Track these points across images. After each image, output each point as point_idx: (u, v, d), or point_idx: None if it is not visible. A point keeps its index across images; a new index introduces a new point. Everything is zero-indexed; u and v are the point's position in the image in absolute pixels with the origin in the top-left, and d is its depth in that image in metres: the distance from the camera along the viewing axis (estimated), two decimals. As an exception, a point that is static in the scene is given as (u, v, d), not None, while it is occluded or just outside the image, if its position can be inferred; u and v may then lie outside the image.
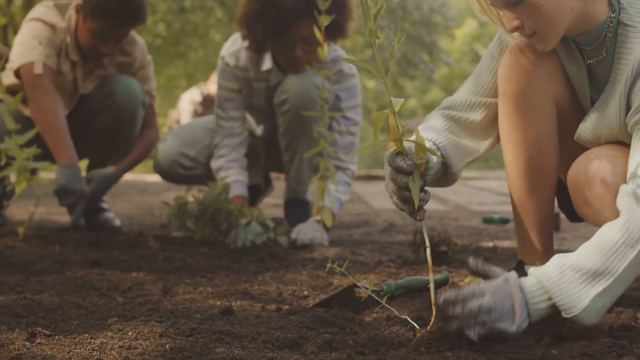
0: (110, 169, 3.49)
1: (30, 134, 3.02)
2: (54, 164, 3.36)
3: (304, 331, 1.64)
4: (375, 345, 1.56)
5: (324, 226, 3.21)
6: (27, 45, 3.30)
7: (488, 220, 4.26)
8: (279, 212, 4.42)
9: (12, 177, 3.65)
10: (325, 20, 3.04)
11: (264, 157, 3.90)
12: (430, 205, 5.45)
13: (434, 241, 2.79)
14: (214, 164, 3.53)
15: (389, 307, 1.82)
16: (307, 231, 3.16)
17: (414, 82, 22.52)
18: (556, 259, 1.61)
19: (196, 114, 8.54)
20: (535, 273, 1.60)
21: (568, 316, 1.58)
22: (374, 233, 3.79)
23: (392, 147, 1.66)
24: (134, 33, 3.57)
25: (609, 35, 1.80)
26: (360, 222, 4.27)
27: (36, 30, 3.33)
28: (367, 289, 1.93)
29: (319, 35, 3.02)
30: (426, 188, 1.65)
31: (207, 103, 8.72)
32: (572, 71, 1.90)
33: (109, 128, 3.52)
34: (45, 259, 2.66)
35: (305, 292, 2.18)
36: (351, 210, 5.09)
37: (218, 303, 1.96)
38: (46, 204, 4.41)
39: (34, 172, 3.47)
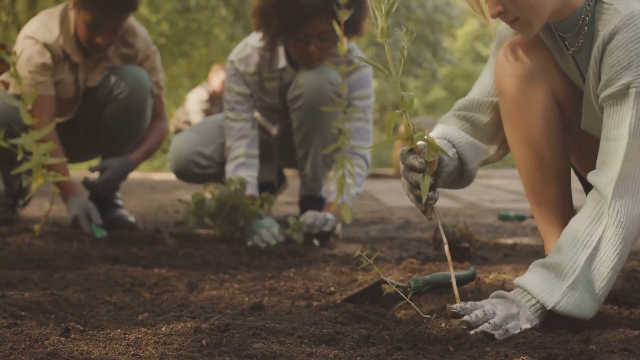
0: (125, 157, 3.48)
1: (47, 129, 2.99)
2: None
3: (339, 327, 1.62)
4: (411, 340, 1.54)
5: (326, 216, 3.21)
6: (20, 70, 3.26)
7: (504, 217, 4.23)
8: (293, 210, 4.39)
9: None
10: (344, 15, 3.01)
11: (277, 153, 3.87)
12: (442, 203, 5.42)
13: (455, 237, 2.77)
14: (229, 167, 3.49)
15: (414, 305, 1.80)
16: (315, 217, 3.15)
17: (416, 81, 22.47)
18: (535, 263, 1.67)
19: (206, 113, 8.52)
20: (518, 281, 1.66)
21: (555, 310, 1.61)
22: (391, 230, 3.76)
23: (398, 146, 1.67)
24: (135, 24, 3.54)
25: (587, 19, 1.78)
26: (375, 220, 4.24)
27: (27, 52, 3.31)
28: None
29: (338, 30, 3.00)
30: (438, 188, 1.66)
31: (213, 100, 8.70)
32: (561, 63, 1.88)
33: (119, 119, 3.50)
34: (64, 256, 2.63)
35: (332, 288, 2.16)
36: (364, 207, 5.06)
37: (246, 299, 1.94)
38: (59, 201, 4.37)
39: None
